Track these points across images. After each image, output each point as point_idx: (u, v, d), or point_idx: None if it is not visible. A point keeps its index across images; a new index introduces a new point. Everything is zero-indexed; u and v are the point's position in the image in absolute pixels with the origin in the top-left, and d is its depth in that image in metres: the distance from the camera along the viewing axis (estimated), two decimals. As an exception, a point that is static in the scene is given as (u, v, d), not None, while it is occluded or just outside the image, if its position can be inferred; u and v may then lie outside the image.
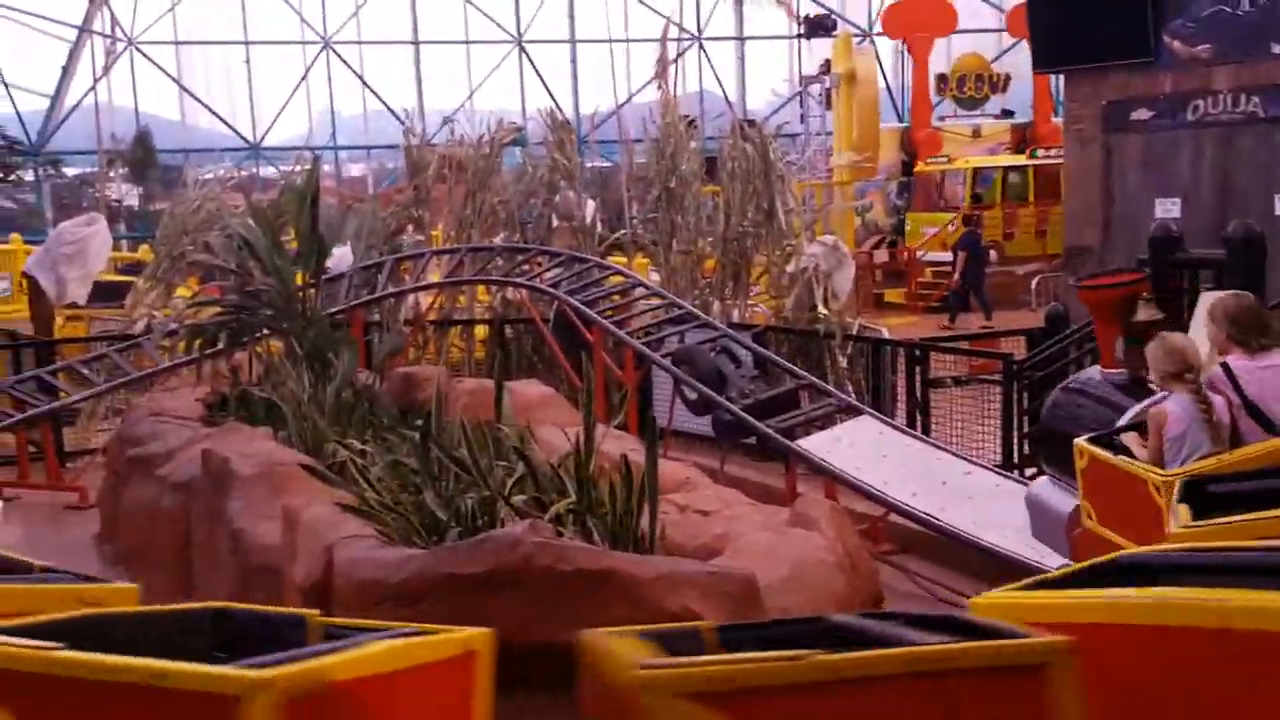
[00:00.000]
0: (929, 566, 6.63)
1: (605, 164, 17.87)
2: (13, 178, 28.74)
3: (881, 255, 22.23)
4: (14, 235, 21.01)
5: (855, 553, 4.41)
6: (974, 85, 25.01)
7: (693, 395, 8.27)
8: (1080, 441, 4.52)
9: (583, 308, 9.36)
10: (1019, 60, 22.63)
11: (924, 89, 24.60)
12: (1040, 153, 22.28)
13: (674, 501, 4.69)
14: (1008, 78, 25.61)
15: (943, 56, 26.87)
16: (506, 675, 3.75)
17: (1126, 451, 4.41)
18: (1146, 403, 4.73)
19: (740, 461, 8.67)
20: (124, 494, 7.72)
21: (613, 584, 3.61)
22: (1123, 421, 4.82)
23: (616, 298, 10.31)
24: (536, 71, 32.26)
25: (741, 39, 33.22)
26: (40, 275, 14.74)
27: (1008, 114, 25.48)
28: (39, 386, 10.67)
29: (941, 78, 25.35)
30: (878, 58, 21.88)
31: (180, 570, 6.44)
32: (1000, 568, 5.56)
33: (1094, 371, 5.98)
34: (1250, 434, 4.26)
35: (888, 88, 28.08)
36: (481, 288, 12.25)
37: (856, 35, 28.08)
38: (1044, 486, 5.62)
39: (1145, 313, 5.82)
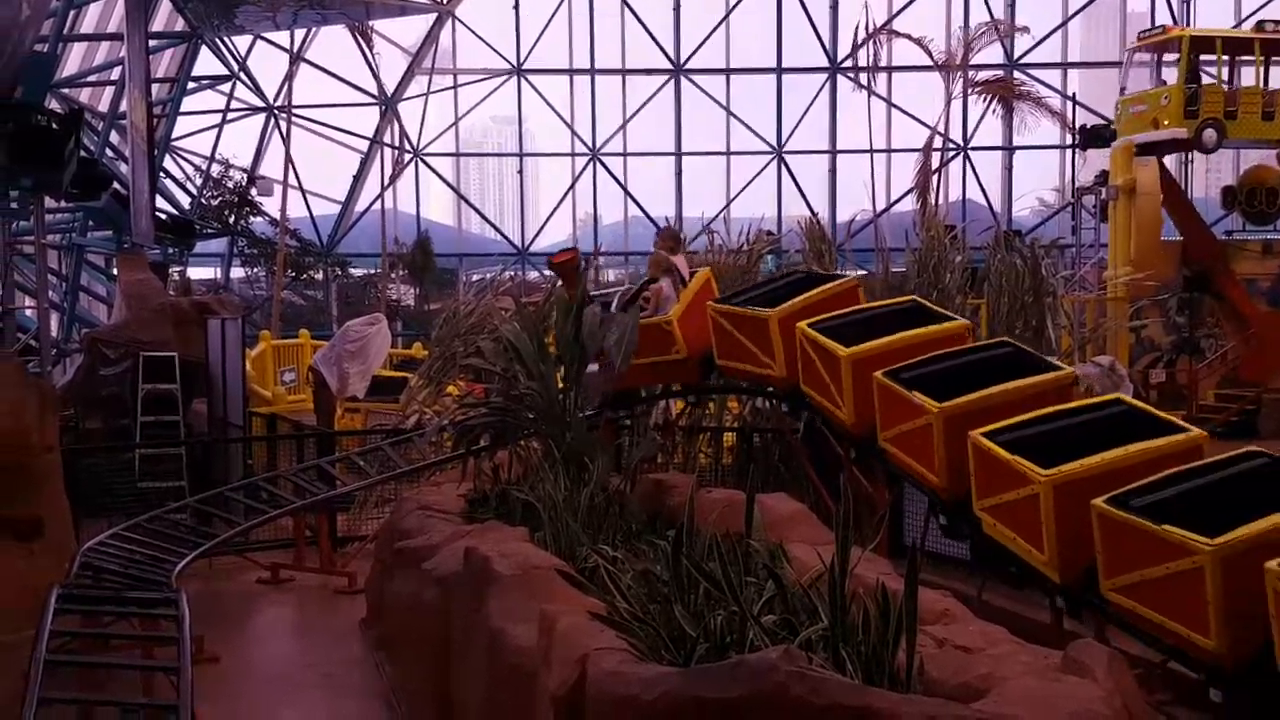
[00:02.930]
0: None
1: (860, 273, 17.74)
2: (304, 277, 31.26)
3: (1159, 375, 21.00)
4: (303, 331, 22.77)
5: (1134, 705, 4.06)
6: (1265, 199, 23.43)
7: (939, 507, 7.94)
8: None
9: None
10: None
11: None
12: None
13: (932, 634, 4.47)
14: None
15: (1229, 168, 25.31)
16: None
17: None
18: None
19: (999, 590, 8.23)
20: (389, 583, 8.07)
21: (869, 723, 3.45)
22: None
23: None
24: (795, 180, 32.62)
25: (1010, 149, 32.53)
26: (325, 369, 15.88)
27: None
28: (318, 475, 11.40)
29: (1229, 190, 23.93)
30: (1161, 168, 20.80)
31: (438, 661, 6.63)
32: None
33: None
34: None
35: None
36: (732, 397, 12.30)
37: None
38: None
39: None
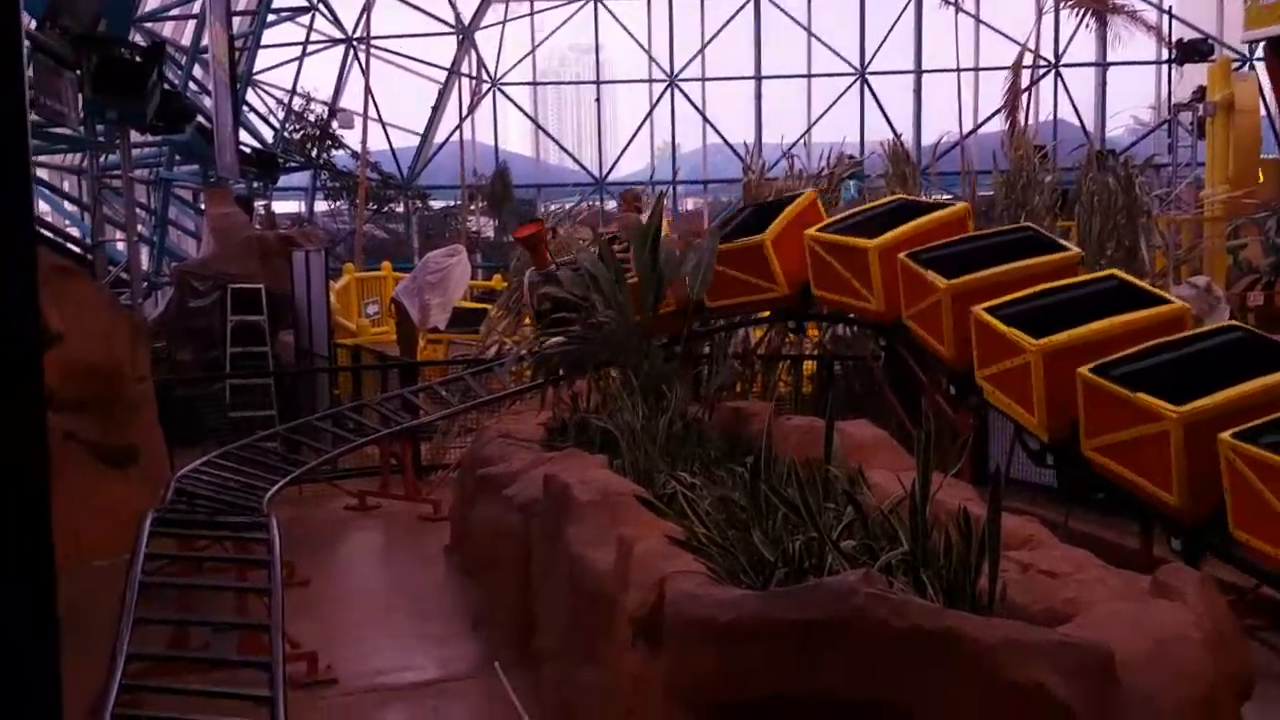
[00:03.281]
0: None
1: (947, 198, 17.36)
2: (385, 210, 31.52)
3: (1256, 298, 20.34)
4: (385, 264, 23.00)
5: (1225, 629, 3.96)
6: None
7: (1035, 444, 7.78)
8: None
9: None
10: None
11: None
12: None
13: (1016, 559, 4.39)
14: None
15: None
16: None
17: None
18: None
19: (1087, 517, 8.08)
20: (472, 509, 8.18)
21: (952, 646, 3.40)
22: None
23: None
24: (878, 103, 31.92)
25: (1103, 65, 31.40)
26: (407, 301, 16.06)
27: None
28: (402, 404, 11.56)
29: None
30: (1260, 85, 19.95)
31: (520, 585, 6.73)
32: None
33: None
34: None
35: (1269, 116, 25.63)
36: (812, 324, 12.17)
37: (1235, 60, 25.88)
38: None
39: None
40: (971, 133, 28.05)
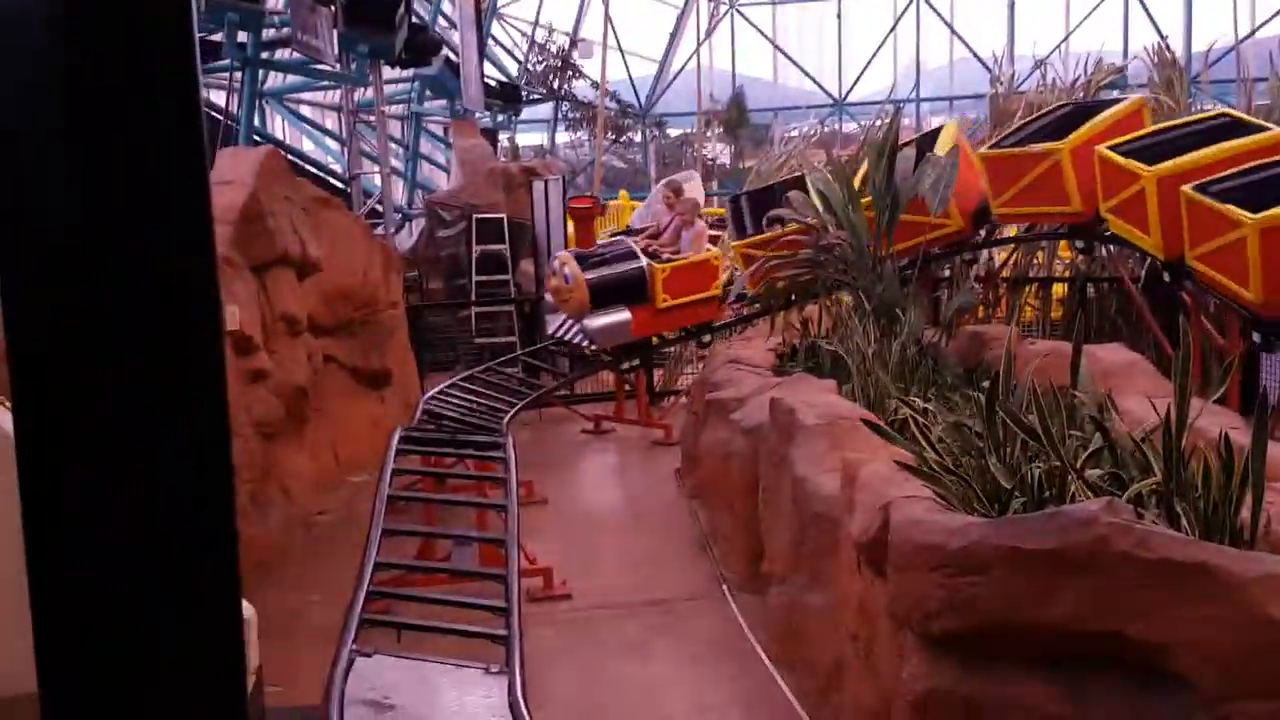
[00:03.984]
0: None
1: (1219, 108, 15.98)
2: (623, 139, 31.79)
3: None
4: (622, 192, 23.26)
5: None
6: None
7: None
8: None
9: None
10: None
11: None
12: None
13: (1284, 492, 4.01)
14: None
15: None
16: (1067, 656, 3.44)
17: None
18: None
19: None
20: (702, 434, 8.21)
21: (1205, 580, 3.14)
22: None
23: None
24: (1144, 5, 29.63)
25: None
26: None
27: None
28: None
29: None
30: None
31: (747, 508, 6.71)
32: None
33: None
34: None
35: None
36: (1064, 243, 11.50)
37: None
38: None
39: None
40: (1248, 36, 25.65)
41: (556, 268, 10.73)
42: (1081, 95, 11.64)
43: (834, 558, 4.88)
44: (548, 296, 11.23)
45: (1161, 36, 24.68)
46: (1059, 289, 11.64)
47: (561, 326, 11.20)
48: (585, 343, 10.86)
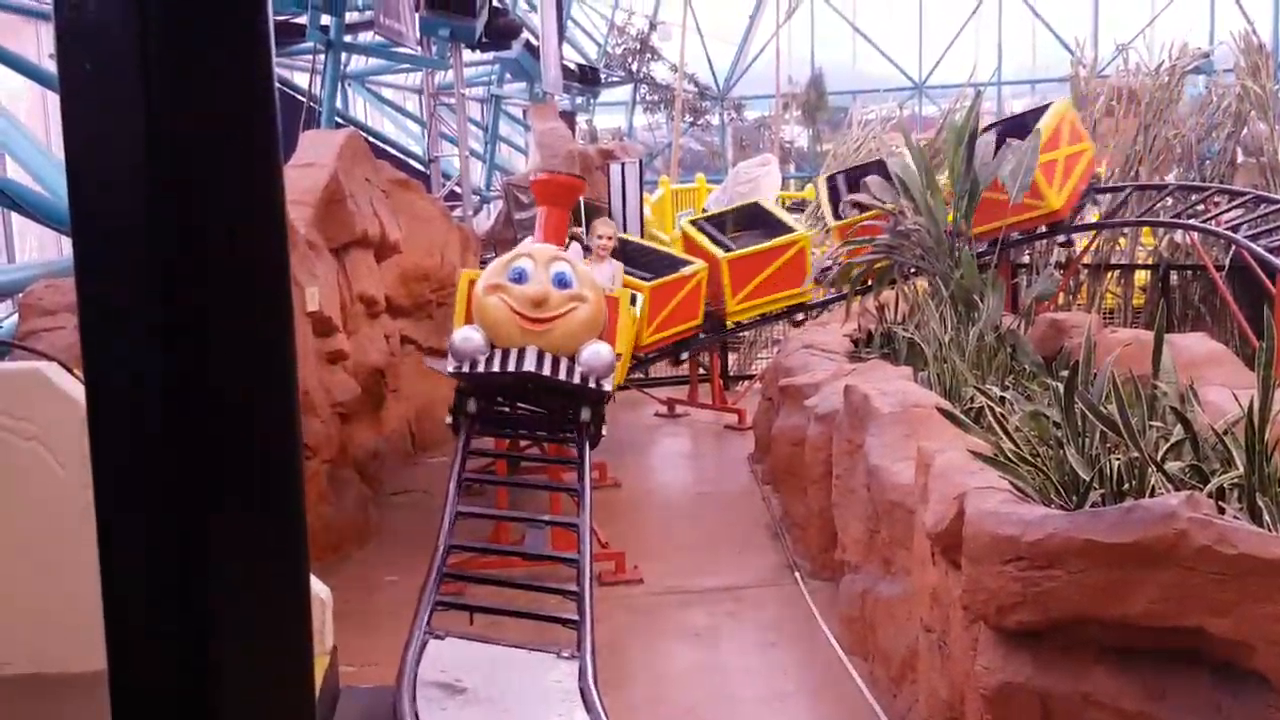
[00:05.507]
0: None
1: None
2: (701, 122, 31.68)
3: None
4: (699, 175, 23.18)
5: None
6: None
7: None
8: None
9: (1266, 254, 8.19)
10: None
11: None
12: None
13: (1375, 490, 3.91)
14: None
15: None
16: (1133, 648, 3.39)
17: None
18: None
19: None
20: (775, 419, 8.19)
21: (1288, 578, 3.08)
22: None
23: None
24: (1235, -11, 28.79)
25: None
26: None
27: None
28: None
29: None
30: None
31: (821, 496, 6.69)
32: None
33: None
34: None
35: None
36: (1146, 230, 11.25)
37: None
38: None
39: None
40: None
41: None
42: (1166, 79, 11.37)
43: (908, 547, 4.86)
44: None
45: (1249, 22, 23.97)
46: (1141, 276, 11.40)
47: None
48: None
